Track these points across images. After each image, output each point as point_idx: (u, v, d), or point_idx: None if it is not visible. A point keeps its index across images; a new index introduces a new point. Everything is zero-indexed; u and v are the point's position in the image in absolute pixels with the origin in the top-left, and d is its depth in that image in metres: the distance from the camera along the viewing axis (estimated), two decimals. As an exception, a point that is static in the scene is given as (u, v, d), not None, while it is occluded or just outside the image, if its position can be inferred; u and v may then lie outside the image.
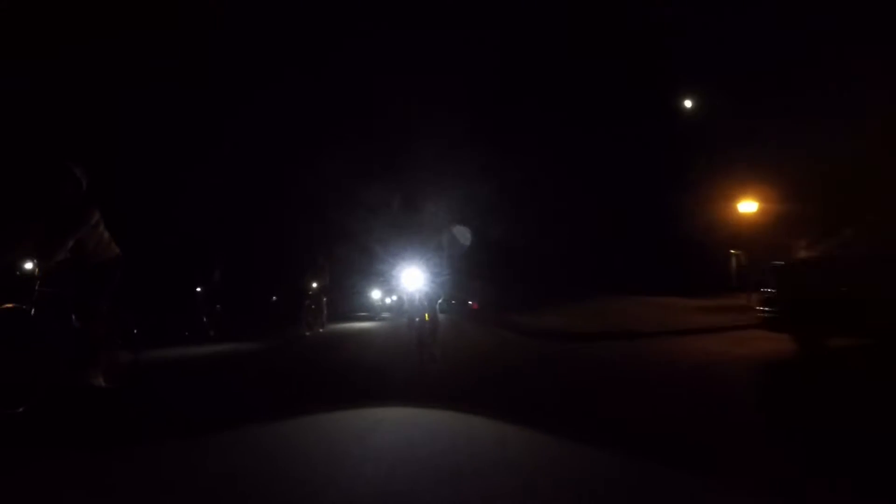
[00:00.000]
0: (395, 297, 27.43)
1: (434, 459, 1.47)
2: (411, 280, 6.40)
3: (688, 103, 15.03)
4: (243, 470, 1.42)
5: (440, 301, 6.41)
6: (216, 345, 7.92)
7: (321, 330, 10.27)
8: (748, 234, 10.88)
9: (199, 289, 9.08)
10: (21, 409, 2.95)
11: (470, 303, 22.94)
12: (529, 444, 1.83)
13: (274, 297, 11.56)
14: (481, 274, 17.15)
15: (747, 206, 10.81)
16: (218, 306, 9.34)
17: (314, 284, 10.12)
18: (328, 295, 10.95)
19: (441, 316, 6.65)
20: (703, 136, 13.70)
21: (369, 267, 20.25)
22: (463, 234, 6.93)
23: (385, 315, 23.86)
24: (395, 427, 2.06)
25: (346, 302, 21.36)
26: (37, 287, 3.16)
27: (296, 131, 19.63)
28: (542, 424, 2.27)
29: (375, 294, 23.60)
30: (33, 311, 3.13)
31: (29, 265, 3.22)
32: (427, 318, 6.12)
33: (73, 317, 3.61)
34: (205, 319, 8.97)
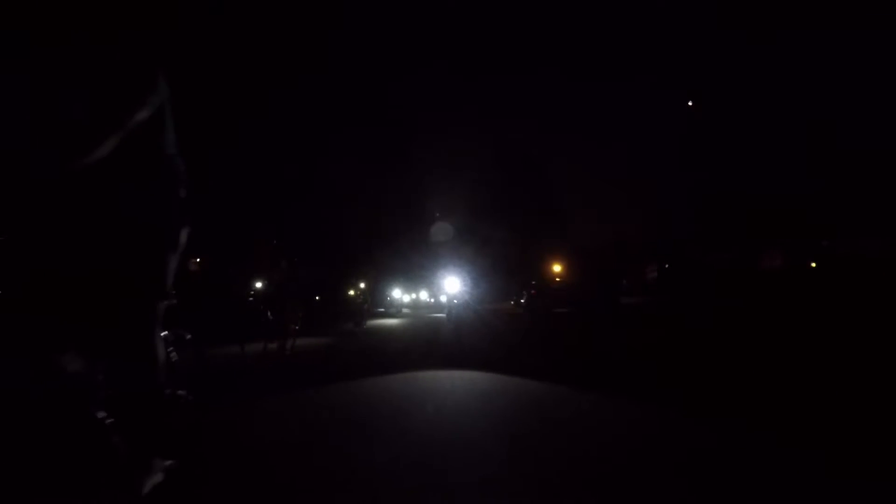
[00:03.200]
0: (413, 296, 30.10)
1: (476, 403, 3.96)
2: (451, 285, 9.11)
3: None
4: (369, 403, 3.76)
5: (472, 303, 9.18)
6: (301, 338, 10.25)
7: (363, 327, 12.67)
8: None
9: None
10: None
11: (517, 299, 30.41)
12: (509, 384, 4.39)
13: (317, 297, 13.84)
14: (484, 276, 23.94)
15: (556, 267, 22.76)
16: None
17: (362, 285, 12.62)
18: (370, 296, 13.47)
19: (472, 313, 9.38)
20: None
21: (398, 269, 23.21)
22: (448, 230, 10.36)
23: (405, 311, 26.55)
24: (439, 384, 4.04)
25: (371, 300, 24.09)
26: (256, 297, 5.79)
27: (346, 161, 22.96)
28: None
29: (396, 293, 26.23)
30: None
31: (258, 284, 5.87)
32: (461, 315, 8.85)
33: (269, 313, 6.23)
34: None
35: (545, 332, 8.98)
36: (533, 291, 19.56)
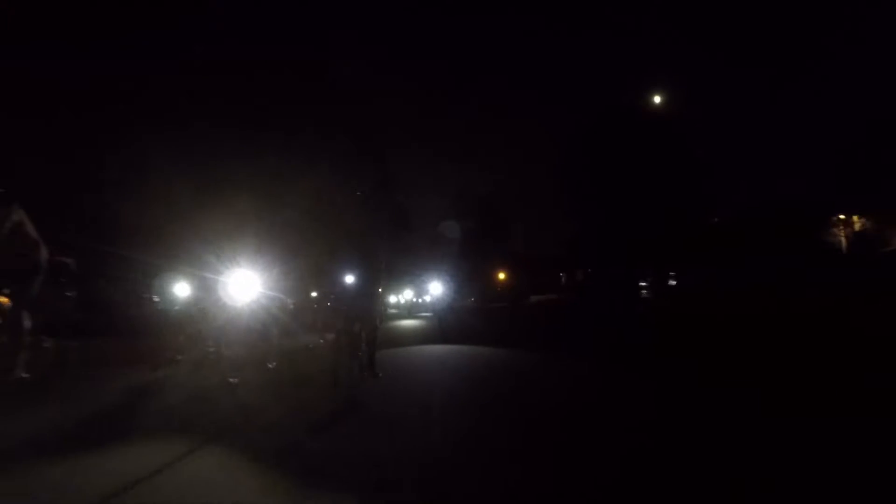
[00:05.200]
0: (400, 297, 35.16)
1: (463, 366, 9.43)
2: (435, 289, 14.67)
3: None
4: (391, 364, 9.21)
5: (451, 300, 14.75)
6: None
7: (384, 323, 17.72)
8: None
9: (313, 294, 15.99)
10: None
11: (472, 299, 33.15)
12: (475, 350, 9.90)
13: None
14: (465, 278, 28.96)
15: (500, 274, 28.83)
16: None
17: (379, 290, 17.69)
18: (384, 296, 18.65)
19: (452, 310, 14.88)
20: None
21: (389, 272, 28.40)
22: (453, 228, 16.36)
23: (392, 311, 31.38)
24: (434, 353, 9.44)
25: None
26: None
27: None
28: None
29: (390, 295, 31.00)
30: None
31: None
32: (444, 311, 14.41)
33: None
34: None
35: (488, 319, 14.94)
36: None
